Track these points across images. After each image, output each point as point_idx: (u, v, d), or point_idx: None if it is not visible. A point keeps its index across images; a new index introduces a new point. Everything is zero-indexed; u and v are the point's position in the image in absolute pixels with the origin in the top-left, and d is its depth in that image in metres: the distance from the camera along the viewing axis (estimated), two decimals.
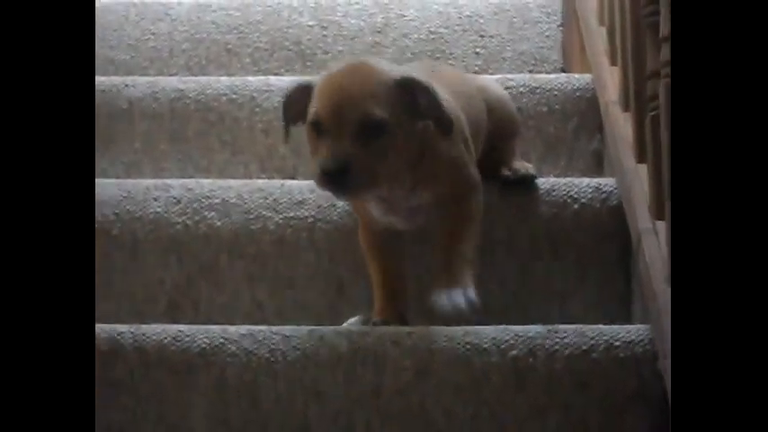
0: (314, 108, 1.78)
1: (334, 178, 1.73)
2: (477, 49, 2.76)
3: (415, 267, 1.99)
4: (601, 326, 1.77)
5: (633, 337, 1.74)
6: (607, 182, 2.09)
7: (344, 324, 1.88)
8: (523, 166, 2.09)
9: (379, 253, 1.92)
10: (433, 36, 2.77)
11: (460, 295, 1.80)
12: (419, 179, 1.84)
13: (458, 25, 2.80)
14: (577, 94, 2.42)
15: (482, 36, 2.77)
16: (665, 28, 1.71)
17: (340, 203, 2.06)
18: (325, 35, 2.80)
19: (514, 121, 2.13)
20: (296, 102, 1.84)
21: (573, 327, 1.77)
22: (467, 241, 1.86)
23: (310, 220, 2.06)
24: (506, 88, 2.25)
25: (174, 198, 2.08)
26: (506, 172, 2.06)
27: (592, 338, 1.73)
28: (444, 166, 1.86)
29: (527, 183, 2.07)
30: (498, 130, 2.05)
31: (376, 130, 1.75)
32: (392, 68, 1.84)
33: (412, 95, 1.79)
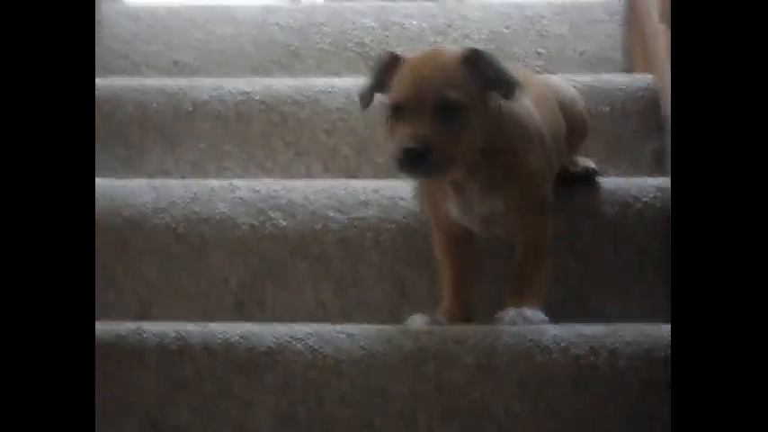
0: (393, 91, 1.80)
1: (414, 158, 1.74)
2: (539, 49, 2.75)
3: (483, 270, 2.00)
4: (662, 325, 1.77)
5: None
6: (668, 181, 2.09)
7: (409, 322, 1.88)
8: (586, 160, 2.09)
9: (451, 255, 1.93)
10: (494, 36, 2.77)
11: (531, 315, 1.82)
12: (494, 177, 1.85)
13: (519, 25, 2.80)
14: (639, 93, 2.41)
15: (543, 36, 2.77)
16: None
17: (405, 204, 2.07)
18: (387, 36, 2.80)
19: (584, 121, 2.13)
20: (385, 71, 1.84)
21: (635, 325, 1.77)
22: (540, 262, 1.88)
23: (374, 220, 2.07)
24: None
25: (240, 199, 2.10)
26: (570, 167, 2.06)
27: (653, 337, 1.73)
28: (521, 170, 1.86)
29: (589, 177, 2.07)
30: (568, 130, 2.05)
31: (452, 111, 1.77)
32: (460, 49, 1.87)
33: (478, 68, 1.81)
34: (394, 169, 1.78)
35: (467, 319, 1.89)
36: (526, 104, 1.89)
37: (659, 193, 2.06)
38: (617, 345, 1.73)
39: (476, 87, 1.81)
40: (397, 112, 1.78)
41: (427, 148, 1.74)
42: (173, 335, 1.76)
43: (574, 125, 2.07)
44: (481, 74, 1.81)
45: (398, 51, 1.87)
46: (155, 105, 2.46)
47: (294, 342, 1.75)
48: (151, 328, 1.77)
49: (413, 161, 1.74)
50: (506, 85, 1.82)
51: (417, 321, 1.88)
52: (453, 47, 1.89)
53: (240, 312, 2.04)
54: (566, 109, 2.04)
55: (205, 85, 2.47)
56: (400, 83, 1.80)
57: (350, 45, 2.80)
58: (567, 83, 2.16)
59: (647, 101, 2.40)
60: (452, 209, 1.88)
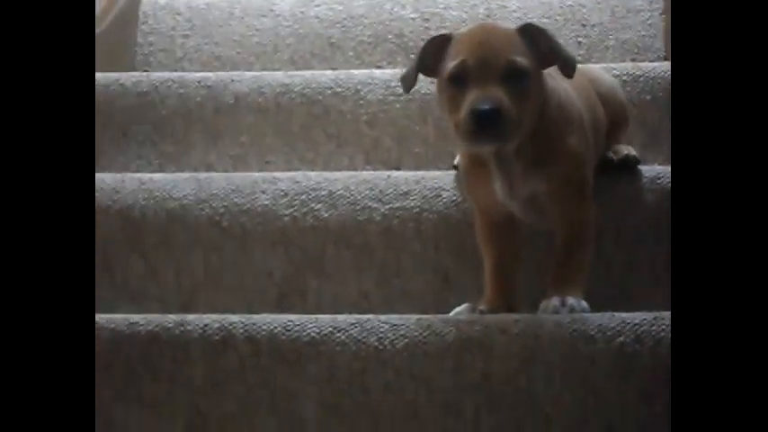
0: (456, 60, 1.79)
1: (486, 121, 1.74)
2: (580, 39, 2.75)
3: (527, 259, 2.00)
4: None
5: None
6: None
7: (452, 312, 1.88)
8: (627, 148, 2.09)
9: (493, 242, 1.93)
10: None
11: (574, 304, 1.81)
12: (537, 156, 1.84)
13: (560, 15, 2.79)
14: None
15: (584, 25, 2.77)
16: None
17: (446, 195, 2.07)
18: (427, 27, 2.80)
19: (624, 110, 2.13)
20: (432, 51, 1.84)
21: None
22: (583, 251, 1.88)
23: (416, 210, 2.07)
24: None
25: (282, 191, 2.10)
26: (610, 154, 2.06)
27: None
28: (563, 150, 1.86)
29: (630, 165, 2.06)
30: (609, 119, 2.04)
31: (519, 77, 1.78)
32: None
33: (535, 41, 1.82)
34: (461, 138, 1.78)
35: (510, 308, 1.89)
36: (566, 87, 1.89)
37: None
38: (662, 333, 1.72)
39: (534, 59, 1.81)
40: (460, 80, 1.78)
41: (498, 110, 1.74)
42: (216, 326, 1.76)
43: (614, 114, 2.07)
44: (538, 48, 1.82)
45: (449, 33, 1.86)
46: (197, 99, 2.46)
47: (337, 333, 1.75)
48: (195, 320, 1.77)
49: (485, 124, 1.74)
50: (565, 61, 1.83)
51: (460, 312, 1.88)
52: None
53: (283, 304, 2.05)
54: (605, 99, 2.04)
55: (245, 78, 2.47)
56: (462, 50, 1.79)
57: (389, 37, 2.80)
58: (606, 73, 2.16)
59: None
60: (496, 190, 1.87)
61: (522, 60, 1.79)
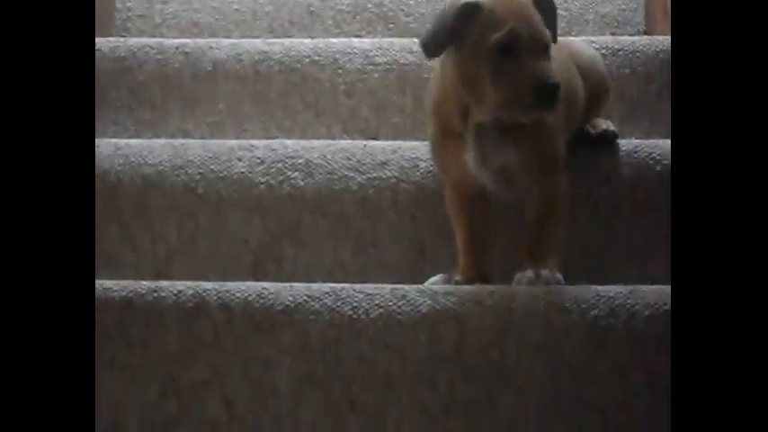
0: (502, 31, 1.79)
1: (551, 95, 1.77)
2: (561, 12, 2.72)
3: (500, 230, 2.00)
4: None
5: None
6: None
7: (427, 283, 1.88)
8: (606, 123, 2.09)
9: (465, 213, 1.93)
10: None
11: (548, 276, 1.82)
12: (509, 126, 1.85)
13: None
14: (660, 56, 2.41)
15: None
16: None
17: (423, 165, 2.07)
18: None
19: (605, 83, 2.13)
20: (454, 18, 1.81)
21: (654, 287, 1.77)
22: (557, 222, 1.89)
23: (393, 180, 2.07)
24: None
25: (258, 158, 2.10)
26: (588, 128, 2.06)
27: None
28: (540, 127, 1.86)
29: (608, 140, 2.06)
30: (588, 92, 2.04)
31: (549, 50, 1.81)
32: None
33: (543, 11, 1.84)
34: (516, 109, 1.79)
35: (483, 278, 1.89)
36: None
37: None
38: (637, 306, 1.73)
39: None
40: (507, 52, 1.78)
41: (559, 85, 1.78)
42: (190, 293, 1.76)
43: (594, 87, 2.07)
44: (545, 17, 1.84)
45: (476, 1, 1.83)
46: (175, 66, 2.46)
47: (312, 301, 1.75)
48: (169, 286, 1.77)
49: (553, 96, 1.77)
50: (554, 31, 1.86)
51: (435, 282, 1.88)
52: None
53: (258, 272, 2.05)
54: (585, 71, 2.04)
55: (224, 46, 2.47)
56: (506, 21, 1.79)
57: (369, 6, 2.80)
58: (587, 45, 2.16)
59: (668, 63, 2.39)
60: (468, 161, 1.87)
61: (548, 34, 1.82)
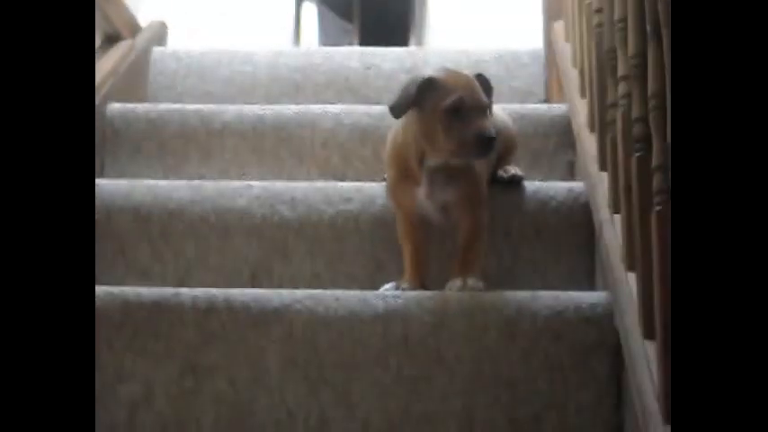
0: (453, 96, 1.79)
1: (490, 146, 1.77)
2: None
3: (438, 252, 2.00)
4: (571, 292, 1.78)
5: (595, 300, 1.74)
6: (578, 185, 2.09)
7: (381, 289, 1.88)
8: (515, 169, 2.10)
9: (411, 236, 1.93)
10: None
11: (473, 284, 1.82)
12: (453, 173, 1.86)
13: (467, 67, 2.77)
14: (556, 119, 2.42)
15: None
16: (621, 69, 1.72)
17: (379, 201, 2.07)
18: (368, 75, 2.80)
19: (514, 140, 2.14)
20: (422, 90, 1.82)
21: (551, 293, 1.77)
22: (479, 243, 1.89)
23: (356, 212, 2.07)
24: None
25: (256, 196, 2.09)
26: (501, 173, 2.07)
27: (564, 302, 1.74)
28: (469, 171, 1.88)
29: (516, 182, 2.07)
30: (502, 147, 2.05)
31: (488, 111, 1.83)
32: None
33: (481, 85, 1.85)
34: (463, 154, 1.80)
35: (424, 286, 1.89)
36: None
37: (570, 194, 2.07)
38: (538, 307, 1.73)
39: None
40: (456, 113, 1.78)
41: (495, 137, 1.78)
42: (204, 298, 1.75)
43: (507, 143, 2.08)
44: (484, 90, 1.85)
45: (431, 73, 1.85)
46: (193, 125, 2.45)
47: (295, 303, 1.74)
48: (187, 292, 1.76)
49: (490, 145, 1.77)
50: (490, 100, 1.88)
51: (387, 288, 1.88)
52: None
53: (254, 281, 2.04)
54: (500, 130, 2.04)
55: (230, 110, 2.46)
56: (458, 88, 1.80)
57: (339, 80, 2.80)
58: (503, 111, 2.17)
59: (563, 125, 2.40)
60: (420, 197, 1.88)
61: (487, 100, 1.84)
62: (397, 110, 1.85)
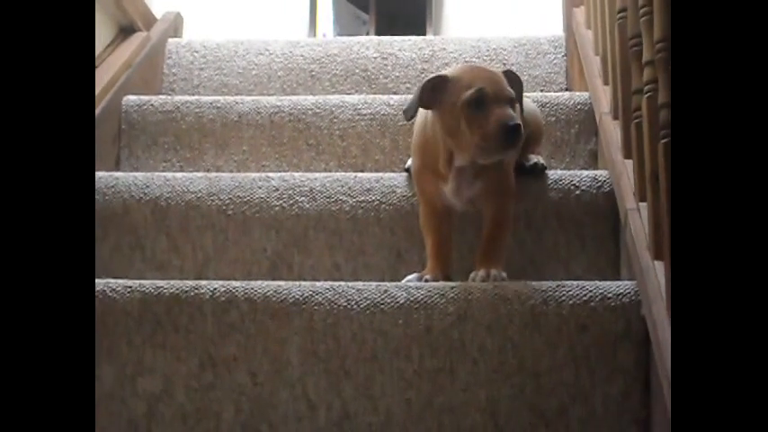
0: (471, 89, 1.76)
1: (516, 131, 1.73)
2: None
3: (460, 243, 1.99)
4: (597, 282, 1.76)
5: (621, 290, 1.72)
6: (601, 173, 2.08)
7: (404, 280, 1.87)
8: (537, 158, 2.08)
9: (434, 227, 1.92)
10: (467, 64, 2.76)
11: (496, 275, 1.81)
12: (482, 167, 1.84)
13: (486, 56, 2.79)
14: (578, 107, 2.41)
15: (505, 64, 2.76)
16: (646, 55, 1.70)
17: (399, 191, 2.06)
18: (385, 64, 2.79)
19: (541, 129, 2.13)
20: (431, 90, 1.81)
21: (576, 282, 1.76)
22: (503, 234, 1.88)
23: (376, 202, 2.06)
24: None
25: (274, 187, 2.09)
26: (524, 162, 2.06)
27: (590, 291, 1.72)
28: (499, 163, 1.85)
29: (537, 171, 2.06)
30: (529, 136, 2.04)
31: (514, 103, 1.79)
32: None
33: (511, 83, 1.82)
34: (489, 149, 1.76)
35: (447, 277, 1.88)
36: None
37: (594, 182, 2.05)
38: (563, 297, 1.72)
39: None
40: (478, 105, 1.75)
41: (521, 125, 1.74)
42: (223, 290, 1.74)
43: (533, 133, 2.07)
44: (512, 87, 1.82)
45: (446, 72, 1.84)
46: (209, 117, 2.45)
47: (316, 295, 1.74)
48: (206, 285, 1.76)
49: (515, 135, 1.73)
50: (520, 96, 1.86)
51: (410, 279, 1.87)
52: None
53: (274, 273, 2.03)
54: (527, 120, 2.03)
55: (246, 102, 2.46)
56: (477, 81, 1.77)
57: (357, 71, 2.79)
58: (530, 101, 2.15)
59: (585, 112, 2.39)
60: (446, 191, 1.86)
61: (513, 92, 1.80)
62: (407, 112, 1.83)
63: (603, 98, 2.19)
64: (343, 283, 1.76)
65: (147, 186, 2.10)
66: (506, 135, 1.74)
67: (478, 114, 1.76)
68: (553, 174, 2.07)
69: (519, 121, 1.74)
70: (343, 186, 2.08)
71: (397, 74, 2.77)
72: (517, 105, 1.80)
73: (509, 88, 1.79)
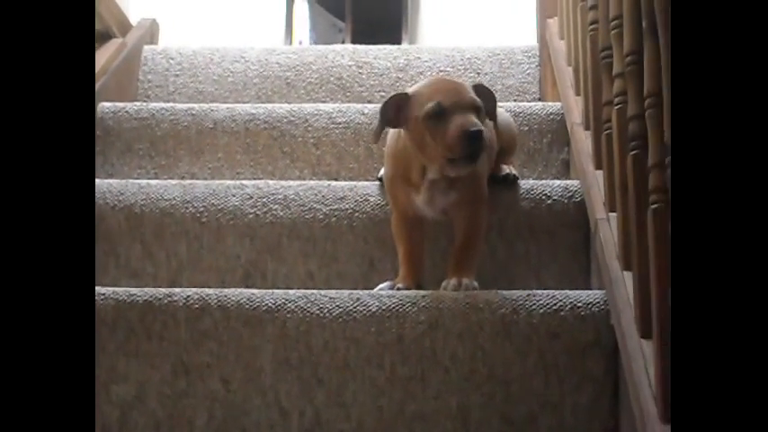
0: (431, 103, 1.77)
1: (476, 138, 1.73)
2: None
3: (432, 251, 2.00)
4: (567, 291, 1.78)
5: (591, 299, 1.74)
6: (573, 183, 2.09)
7: (376, 288, 1.88)
8: (509, 168, 2.10)
9: (406, 235, 1.92)
10: (441, 73, 2.78)
11: (467, 284, 1.82)
12: (456, 180, 1.85)
13: (460, 65, 2.80)
14: (551, 117, 2.42)
15: (479, 73, 2.78)
16: (616, 67, 1.72)
17: (373, 200, 2.07)
18: (360, 73, 2.80)
19: (514, 140, 2.14)
20: (393, 108, 1.83)
21: (546, 291, 1.77)
22: (475, 244, 1.89)
23: (350, 211, 2.07)
24: None
25: (248, 195, 2.10)
26: (496, 172, 2.07)
27: (560, 301, 1.74)
28: (473, 174, 1.86)
29: (509, 181, 2.07)
30: (502, 146, 2.06)
31: (479, 113, 1.79)
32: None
33: (482, 96, 1.82)
34: (450, 158, 1.76)
35: (419, 286, 1.89)
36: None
37: (565, 192, 2.07)
38: (533, 306, 1.73)
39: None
40: (438, 117, 1.76)
41: (482, 131, 1.74)
42: (196, 297, 1.75)
43: (507, 144, 2.08)
44: (484, 101, 1.83)
45: (407, 90, 1.85)
46: (184, 124, 2.45)
47: (288, 303, 1.74)
48: (180, 292, 1.76)
49: (476, 140, 1.73)
50: (494, 121, 1.88)
51: (382, 288, 1.88)
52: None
53: (248, 281, 2.04)
54: (502, 132, 2.04)
55: (222, 109, 2.47)
56: (436, 94, 1.78)
57: (332, 79, 2.80)
58: (504, 112, 2.16)
59: (558, 122, 2.41)
60: (418, 201, 1.88)
61: (478, 100, 1.80)
62: (374, 135, 1.85)
63: (575, 108, 2.21)
64: (315, 292, 1.77)
65: (122, 193, 2.10)
66: (467, 141, 1.74)
67: (439, 126, 1.77)
68: (525, 183, 2.09)
69: (481, 127, 1.75)
70: (317, 194, 2.09)
71: (372, 82, 2.78)
72: (484, 114, 1.81)
73: (472, 96, 1.80)
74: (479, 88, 1.84)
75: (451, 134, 1.75)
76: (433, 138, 1.78)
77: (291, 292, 1.77)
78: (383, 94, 2.75)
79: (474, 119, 1.76)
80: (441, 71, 2.76)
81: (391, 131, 1.93)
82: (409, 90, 1.85)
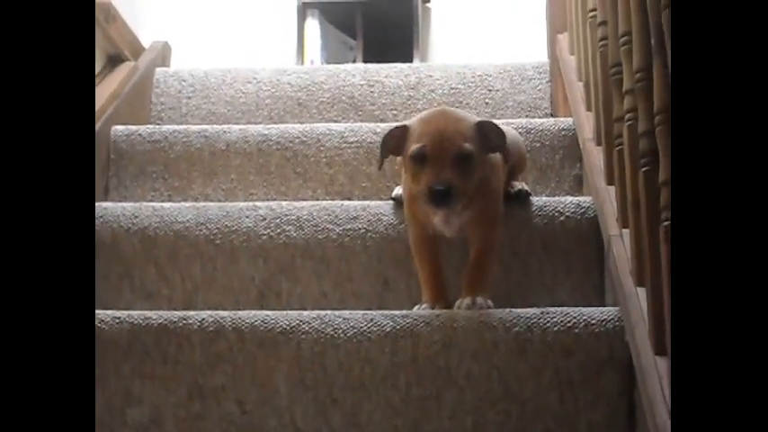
0: (417, 144, 1.79)
1: (441, 196, 1.75)
2: (487, 100, 2.77)
3: (445, 266, 1.99)
4: (581, 308, 1.78)
5: (605, 316, 1.74)
6: (585, 199, 2.09)
7: (414, 309, 1.85)
8: (521, 184, 2.10)
9: (428, 255, 1.92)
10: (453, 90, 2.78)
11: (481, 303, 1.82)
12: (472, 199, 1.85)
13: (471, 82, 2.81)
14: (563, 132, 2.42)
15: (490, 90, 2.78)
16: (626, 84, 1.72)
17: (386, 219, 2.07)
18: (372, 91, 2.81)
19: (524, 158, 2.15)
20: (393, 139, 1.85)
21: (560, 309, 1.77)
22: (490, 262, 1.89)
23: (363, 230, 2.07)
24: None
25: (261, 216, 2.10)
26: (508, 189, 2.07)
27: (574, 318, 1.74)
28: (488, 190, 1.87)
29: (522, 197, 2.07)
30: (513, 164, 2.06)
31: (466, 159, 1.79)
32: (468, 114, 1.89)
33: (486, 134, 1.83)
34: (424, 202, 1.79)
35: (448, 305, 1.86)
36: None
37: (578, 209, 2.07)
38: (547, 324, 1.73)
39: (481, 146, 1.82)
40: (420, 161, 1.79)
41: (449, 189, 1.75)
42: (211, 320, 1.75)
43: (517, 161, 2.08)
44: (487, 138, 1.83)
45: (405, 123, 1.86)
46: (197, 146, 2.46)
47: (303, 324, 1.75)
48: (195, 315, 1.77)
49: (440, 197, 1.75)
50: (504, 155, 1.89)
51: (420, 309, 1.85)
52: (461, 111, 1.90)
53: (262, 302, 2.04)
54: (511, 150, 2.04)
55: (234, 130, 2.47)
56: (424, 136, 1.80)
57: (343, 98, 2.81)
58: (513, 130, 2.16)
59: (569, 138, 2.41)
60: (436, 219, 1.88)
61: (468, 146, 1.79)
62: (378, 162, 1.89)
63: (587, 124, 2.21)
64: (330, 312, 1.77)
65: (136, 216, 2.11)
66: (432, 198, 1.76)
67: (418, 171, 1.80)
68: (538, 200, 2.09)
69: (449, 185, 1.75)
70: (329, 215, 2.09)
71: (384, 101, 2.79)
72: (475, 160, 1.80)
73: (460, 144, 1.78)
74: (483, 126, 1.84)
75: (422, 184, 1.78)
76: (413, 179, 1.81)
77: (305, 313, 1.78)
78: (395, 112, 2.76)
79: (447, 174, 1.76)
80: (452, 89, 2.77)
81: None
82: (408, 122, 1.86)
